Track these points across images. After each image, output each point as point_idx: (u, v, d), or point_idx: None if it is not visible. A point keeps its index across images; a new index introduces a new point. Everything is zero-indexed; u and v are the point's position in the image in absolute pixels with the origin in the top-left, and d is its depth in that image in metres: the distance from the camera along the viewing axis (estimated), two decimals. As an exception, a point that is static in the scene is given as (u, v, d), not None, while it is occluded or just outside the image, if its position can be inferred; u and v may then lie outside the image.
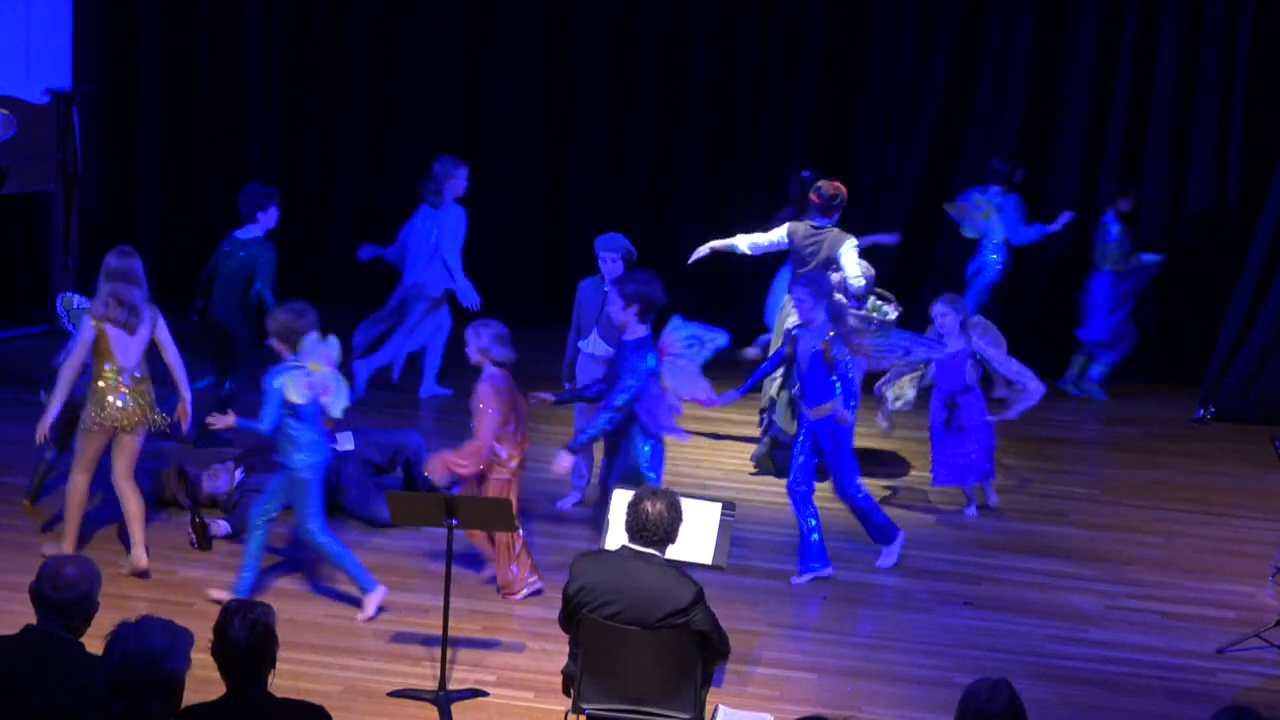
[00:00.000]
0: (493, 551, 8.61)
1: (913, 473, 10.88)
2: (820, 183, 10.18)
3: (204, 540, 8.94)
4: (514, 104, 13.49)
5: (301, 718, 5.27)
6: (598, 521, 9.06)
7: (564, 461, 8.56)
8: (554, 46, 13.46)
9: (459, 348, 8.67)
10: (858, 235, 10.45)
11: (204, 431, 9.66)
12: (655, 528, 6.52)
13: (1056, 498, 10.59)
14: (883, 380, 10.28)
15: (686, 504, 6.76)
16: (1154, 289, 12.57)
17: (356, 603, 8.44)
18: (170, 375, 8.72)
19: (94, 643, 5.40)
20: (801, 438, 9.04)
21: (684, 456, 10.84)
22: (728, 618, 7.22)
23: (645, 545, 6.55)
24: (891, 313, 9.72)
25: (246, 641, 5.16)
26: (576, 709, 6.67)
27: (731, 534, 7.36)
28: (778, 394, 10.45)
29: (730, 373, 10.76)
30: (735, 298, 13.46)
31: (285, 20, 13.10)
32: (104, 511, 9.36)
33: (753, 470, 10.75)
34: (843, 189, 10.14)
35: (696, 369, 8.60)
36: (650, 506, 6.53)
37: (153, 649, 4.82)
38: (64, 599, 5.39)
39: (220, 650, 5.19)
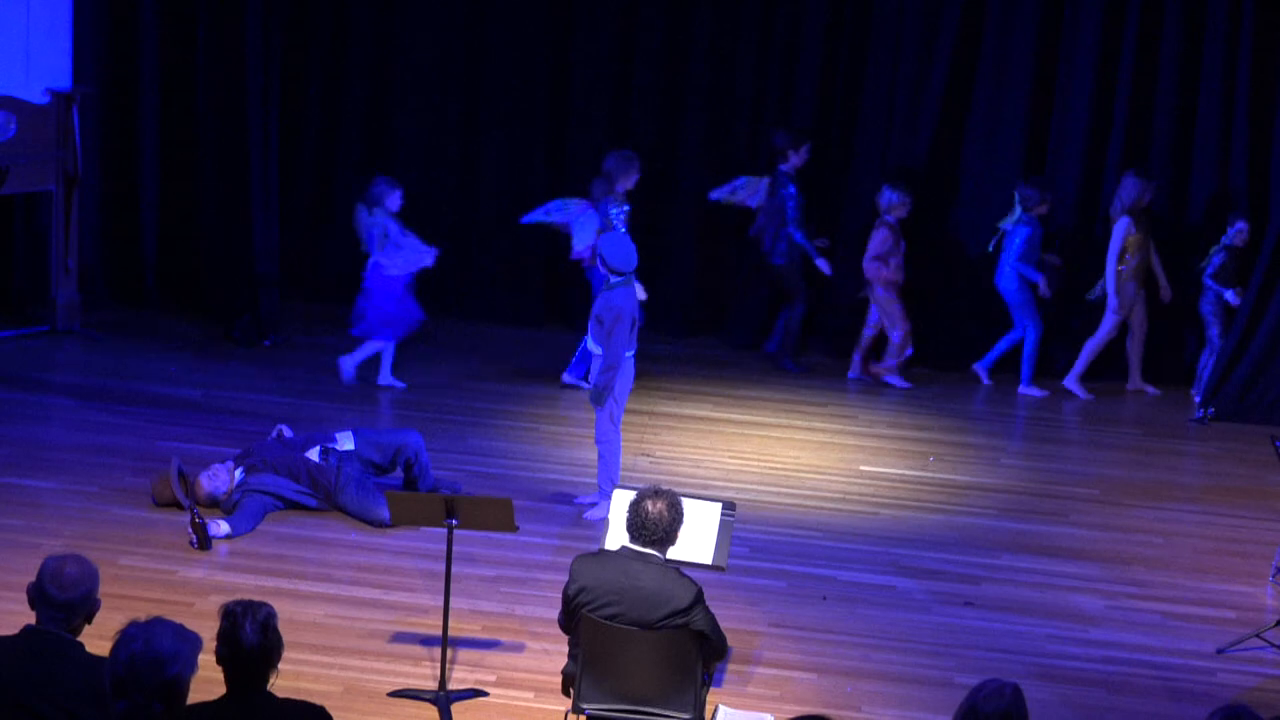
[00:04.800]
0: None
1: (914, 471, 10.88)
2: None
3: (204, 540, 8.93)
4: (514, 105, 13.47)
5: (301, 718, 5.27)
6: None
7: None
8: (553, 48, 13.44)
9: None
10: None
11: None
12: (655, 527, 6.53)
13: (1056, 498, 10.59)
14: None
15: (687, 504, 6.77)
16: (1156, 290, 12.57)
17: (358, 603, 8.44)
18: None
19: (94, 642, 5.40)
20: None
21: (684, 456, 10.85)
22: (728, 618, 7.23)
23: (645, 545, 6.55)
24: None
25: (259, 646, 5.15)
26: (576, 709, 6.67)
27: (731, 534, 7.36)
28: None
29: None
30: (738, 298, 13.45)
31: (285, 21, 13.08)
32: (103, 511, 9.36)
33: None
34: None
35: None
36: (651, 506, 6.54)
37: (159, 652, 4.80)
38: (67, 598, 5.38)
39: (230, 654, 5.17)
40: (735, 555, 8.44)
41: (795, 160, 12.31)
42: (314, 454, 9.57)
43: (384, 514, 9.17)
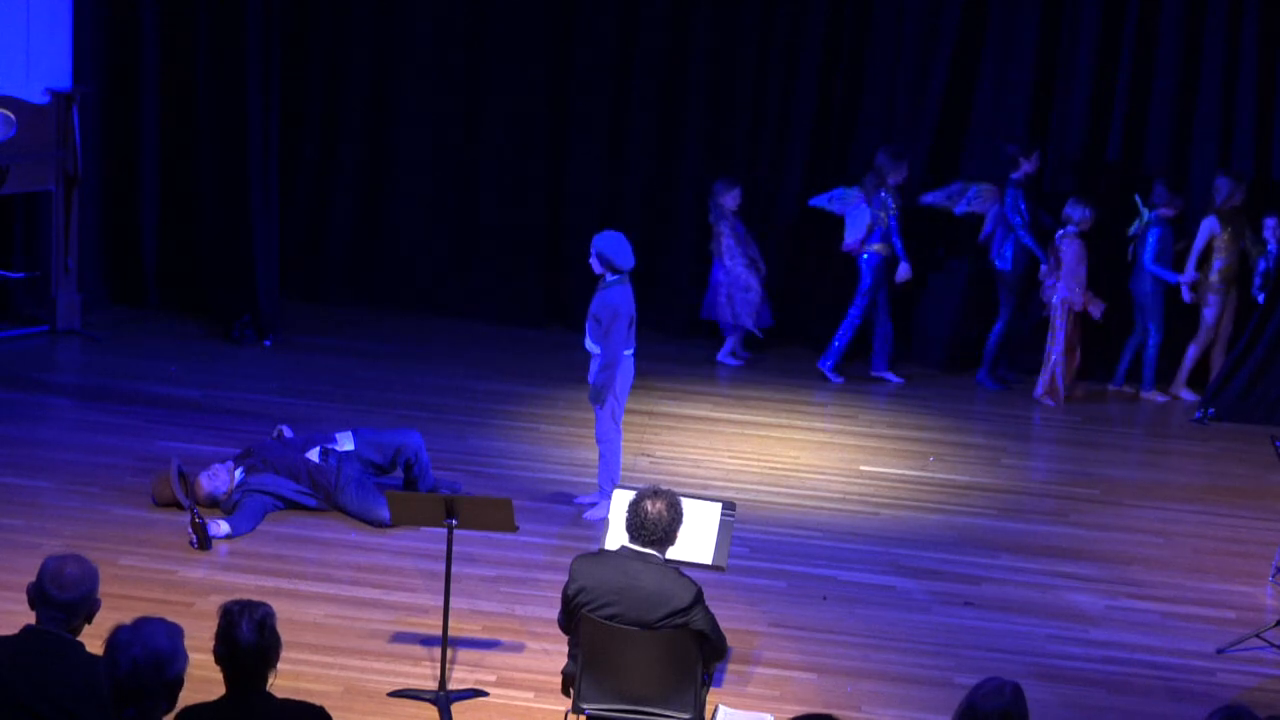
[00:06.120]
0: None
1: (914, 471, 10.87)
2: None
3: (204, 540, 8.93)
4: (514, 105, 13.47)
5: (301, 718, 5.27)
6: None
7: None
8: (553, 47, 13.43)
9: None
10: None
11: None
12: (654, 527, 6.53)
13: (1056, 498, 10.59)
14: None
15: (687, 504, 6.77)
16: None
17: (358, 603, 8.45)
18: None
19: (94, 642, 5.40)
20: None
21: (684, 457, 10.85)
22: (728, 618, 7.23)
23: (644, 545, 6.56)
24: None
25: (256, 645, 5.15)
26: (576, 709, 6.67)
27: (731, 534, 7.36)
28: None
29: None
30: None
31: (285, 20, 13.08)
32: (103, 511, 9.36)
33: None
34: None
35: None
36: (650, 506, 6.55)
37: (158, 653, 4.79)
38: (67, 598, 5.38)
39: (227, 653, 5.17)
40: (735, 555, 8.44)
41: (1026, 168, 12.31)
42: (314, 454, 9.57)
43: (384, 514, 9.17)
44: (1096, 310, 12.31)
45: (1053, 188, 12.84)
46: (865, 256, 12.47)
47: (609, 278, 9.36)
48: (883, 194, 12.35)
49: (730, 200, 12.61)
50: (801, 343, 13.17)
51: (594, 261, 9.41)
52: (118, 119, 13.13)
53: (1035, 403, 12.39)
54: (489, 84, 13.45)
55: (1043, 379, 12.42)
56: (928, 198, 12.70)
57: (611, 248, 9.34)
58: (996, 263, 12.52)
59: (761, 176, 13.30)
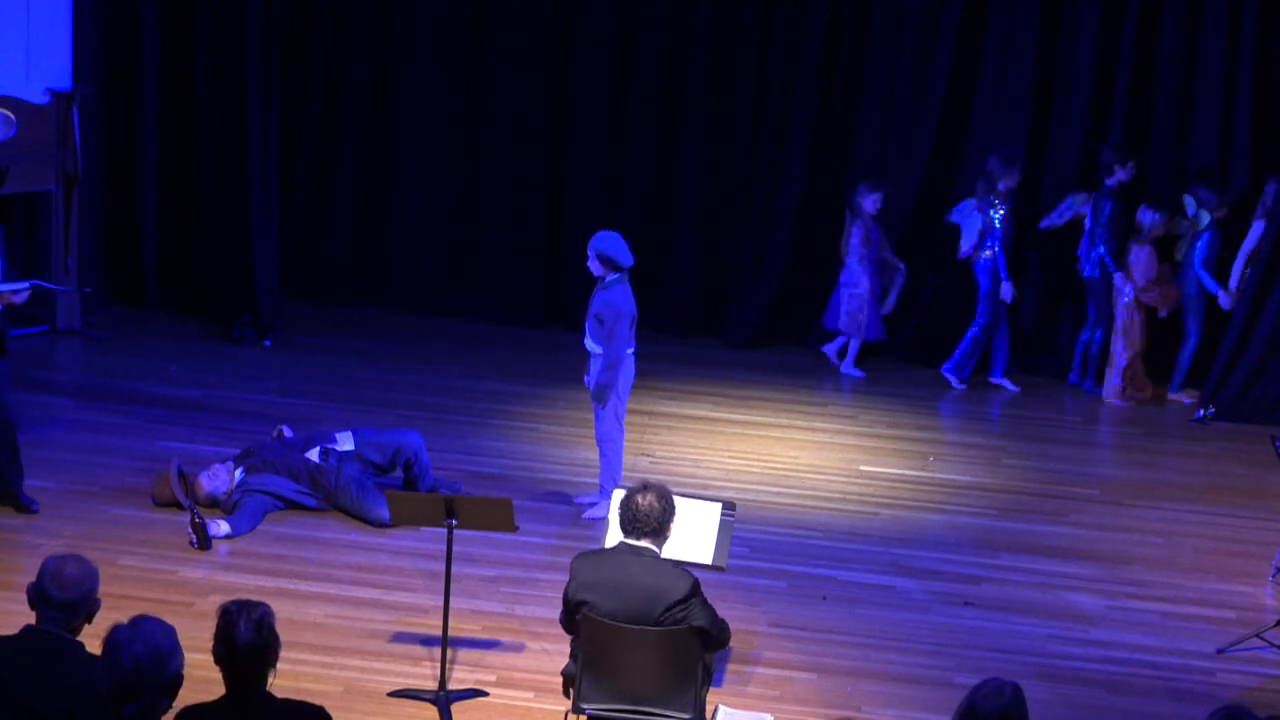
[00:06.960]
0: None
1: (914, 471, 10.87)
2: None
3: (204, 540, 8.93)
4: (514, 105, 13.47)
5: (301, 718, 5.27)
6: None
7: None
8: (554, 49, 13.43)
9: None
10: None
11: None
12: (647, 519, 6.58)
13: (1056, 498, 10.59)
14: None
15: (687, 504, 6.80)
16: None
17: (358, 603, 8.45)
18: None
19: (94, 642, 5.40)
20: None
21: (685, 457, 10.85)
22: (727, 618, 7.22)
23: (639, 538, 6.59)
24: None
25: (254, 644, 5.15)
26: (576, 709, 6.68)
27: (731, 534, 7.37)
28: None
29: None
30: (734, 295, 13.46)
31: (285, 20, 13.08)
32: (103, 511, 9.36)
33: None
34: None
35: None
36: (641, 499, 6.60)
37: (159, 650, 4.80)
38: (67, 598, 5.39)
39: (226, 653, 5.17)
40: (735, 555, 8.44)
41: (1121, 175, 12.23)
42: (314, 454, 9.57)
43: (384, 514, 9.17)
44: (1164, 310, 12.31)
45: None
46: (980, 261, 12.44)
47: (610, 277, 9.36)
48: (992, 199, 12.31)
49: (870, 204, 12.49)
50: (801, 343, 13.19)
51: (593, 264, 9.41)
52: (118, 119, 13.14)
53: (1036, 404, 12.40)
54: (489, 84, 13.45)
55: (1113, 382, 12.39)
56: (1046, 222, 12.66)
57: (611, 247, 9.35)
58: (1084, 270, 12.49)
59: (761, 177, 13.29)
